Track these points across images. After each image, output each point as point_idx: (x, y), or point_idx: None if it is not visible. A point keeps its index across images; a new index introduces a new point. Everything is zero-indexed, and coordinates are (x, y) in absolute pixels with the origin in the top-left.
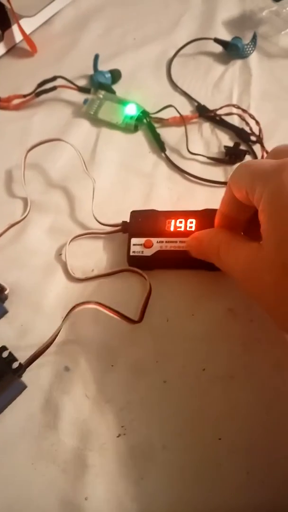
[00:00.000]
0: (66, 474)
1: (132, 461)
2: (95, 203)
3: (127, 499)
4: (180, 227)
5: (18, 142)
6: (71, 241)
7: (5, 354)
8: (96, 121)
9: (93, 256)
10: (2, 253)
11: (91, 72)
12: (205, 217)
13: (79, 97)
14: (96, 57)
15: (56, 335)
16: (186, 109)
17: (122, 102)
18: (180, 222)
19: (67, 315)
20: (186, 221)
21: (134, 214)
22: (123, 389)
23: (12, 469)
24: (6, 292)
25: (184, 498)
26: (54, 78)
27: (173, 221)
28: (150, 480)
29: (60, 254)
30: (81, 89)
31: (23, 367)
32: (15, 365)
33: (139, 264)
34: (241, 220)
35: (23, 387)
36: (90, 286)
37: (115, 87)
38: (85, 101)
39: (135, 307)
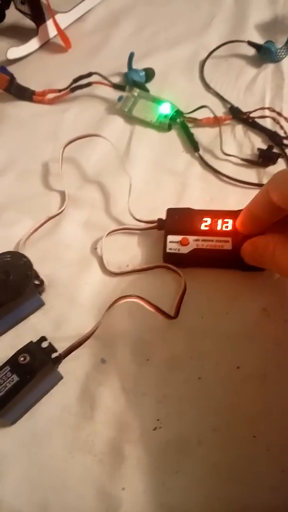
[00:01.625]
0: (103, 465)
1: (168, 455)
2: (129, 200)
3: (163, 491)
4: (216, 226)
5: (52, 136)
6: (106, 235)
7: (44, 344)
8: (130, 119)
9: (128, 252)
10: (39, 245)
11: (123, 70)
12: None
13: (113, 94)
14: (131, 55)
15: (96, 328)
16: (218, 110)
17: (157, 100)
18: (216, 221)
19: (108, 308)
20: (223, 221)
21: (170, 211)
22: (159, 383)
23: (49, 458)
24: (44, 285)
25: (218, 494)
26: (89, 74)
27: (209, 220)
28: (185, 474)
29: (95, 248)
30: (116, 86)
31: (62, 357)
32: (54, 355)
33: (174, 261)
34: (269, 222)
35: (60, 377)
36: (124, 280)
37: (148, 85)
38: (120, 98)
39: (168, 303)
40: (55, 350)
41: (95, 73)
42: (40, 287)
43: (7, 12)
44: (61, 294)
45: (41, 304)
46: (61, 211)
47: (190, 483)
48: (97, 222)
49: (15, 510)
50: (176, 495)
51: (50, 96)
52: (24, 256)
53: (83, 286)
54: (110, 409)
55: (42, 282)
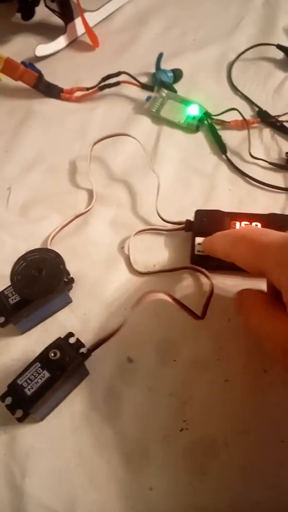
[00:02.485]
0: (129, 464)
1: (195, 456)
2: (156, 200)
3: (190, 492)
4: None
5: (80, 134)
6: (134, 235)
7: (72, 340)
8: (158, 119)
9: (155, 252)
10: (66, 242)
11: (151, 69)
12: (270, 221)
13: (140, 94)
14: (160, 56)
15: (124, 323)
16: (246, 113)
17: (185, 102)
18: (246, 224)
19: (137, 303)
20: (251, 224)
21: (199, 213)
22: (185, 384)
23: (76, 455)
24: (73, 283)
25: (246, 497)
26: (118, 73)
27: (238, 223)
28: (212, 476)
29: (122, 247)
30: (144, 86)
31: (90, 352)
32: (82, 350)
33: (202, 263)
34: None
35: (87, 373)
36: (151, 280)
37: (176, 86)
38: (148, 98)
39: (194, 305)
40: (83, 346)
41: (124, 72)
42: (69, 284)
43: (36, 9)
44: (88, 292)
45: (69, 301)
46: (89, 209)
47: (217, 485)
48: (124, 221)
49: (42, 505)
50: (203, 497)
51: (78, 94)
52: (57, 254)
53: (109, 284)
54: (136, 408)
55: (71, 279)
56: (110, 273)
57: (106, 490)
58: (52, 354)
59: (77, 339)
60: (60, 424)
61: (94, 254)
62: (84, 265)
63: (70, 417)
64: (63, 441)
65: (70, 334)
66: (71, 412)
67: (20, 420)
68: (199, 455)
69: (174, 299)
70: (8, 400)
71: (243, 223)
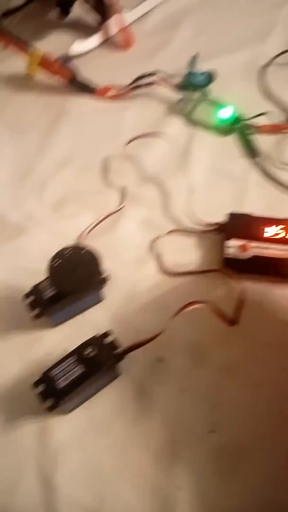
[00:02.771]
0: (159, 463)
1: (224, 458)
2: (188, 202)
3: (219, 494)
4: (278, 234)
5: (112, 133)
6: (165, 235)
7: (108, 339)
8: (190, 121)
9: (185, 253)
10: (98, 240)
11: (183, 71)
12: None
13: (173, 96)
14: (195, 57)
15: (161, 332)
16: (278, 117)
17: (217, 104)
18: (280, 229)
19: (178, 312)
20: (286, 229)
21: (231, 216)
22: (215, 387)
23: (105, 450)
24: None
25: (273, 500)
26: (153, 73)
27: (271, 227)
28: (242, 479)
29: (153, 247)
30: (177, 88)
31: (124, 354)
32: (117, 351)
33: (233, 267)
34: None
35: (119, 373)
36: (181, 281)
37: (208, 88)
38: (180, 100)
39: (224, 308)
40: (117, 347)
41: (158, 72)
42: (104, 282)
43: (72, 8)
44: (119, 290)
45: (101, 298)
46: (120, 209)
47: (246, 487)
48: (155, 222)
49: (71, 497)
50: (231, 499)
51: (112, 93)
52: (94, 251)
53: (140, 283)
54: (166, 409)
55: (107, 277)
56: (141, 273)
57: (135, 487)
58: (88, 351)
59: (113, 340)
60: (90, 419)
61: (125, 253)
62: (115, 263)
63: (100, 413)
64: (91, 435)
65: (107, 334)
66: (101, 408)
67: (50, 409)
68: (228, 457)
69: (215, 308)
70: (40, 388)
71: (276, 228)
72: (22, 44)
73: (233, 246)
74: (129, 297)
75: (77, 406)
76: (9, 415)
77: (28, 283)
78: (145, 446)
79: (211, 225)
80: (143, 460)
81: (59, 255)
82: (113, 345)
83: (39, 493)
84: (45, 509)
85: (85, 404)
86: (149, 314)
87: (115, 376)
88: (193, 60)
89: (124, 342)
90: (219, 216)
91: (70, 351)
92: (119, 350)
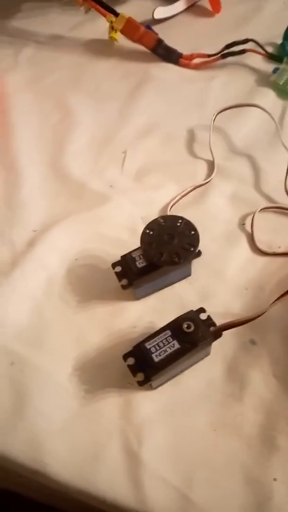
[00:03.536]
0: (252, 450)
1: None
2: (282, 179)
3: None
4: None
5: (198, 103)
6: (258, 212)
7: (203, 316)
8: (284, 93)
9: (280, 232)
10: (184, 213)
11: (277, 40)
12: None
13: (266, 66)
14: None
15: (263, 313)
16: None
17: None
18: None
19: (281, 297)
20: None
21: None
22: None
23: (192, 431)
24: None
25: None
26: (246, 41)
27: None
28: None
29: (243, 224)
30: (272, 57)
31: (221, 331)
32: (212, 328)
33: None
34: None
35: (208, 352)
36: (275, 262)
37: None
38: (275, 70)
39: None
40: (214, 324)
41: (252, 40)
42: (197, 256)
43: None
44: (207, 267)
45: (188, 273)
46: (208, 181)
47: None
48: (245, 197)
49: (158, 475)
50: None
51: (198, 60)
52: (189, 222)
53: (229, 261)
54: (260, 394)
55: (199, 252)
56: (230, 250)
57: (226, 473)
58: (186, 326)
59: (209, 316)
60: (177, 397)
61: (213, 228)
62: (203, 239)
63: (188, 392)
64: (178, 414)
65: (202, 310)
66: (188, 387)
67: (141, 384)
68: None
69: None
70: (131, 360)
71: None
72: (105, 8)
73: None
74: (218, 274)
75: (164, 383)
76: (92, 385)
77: (111, 253)
78: (237, 430)
79: None
80: (234, 445)
81: (153, 224)
82: (209, 322)
83: (124, 467)
84: (130, 484)
85: (171, 381)
86: (240, 294)
87: (205, 355)
88: None
89: (217, 322)
90: None
91: (156, 324)
92: (216, 327)
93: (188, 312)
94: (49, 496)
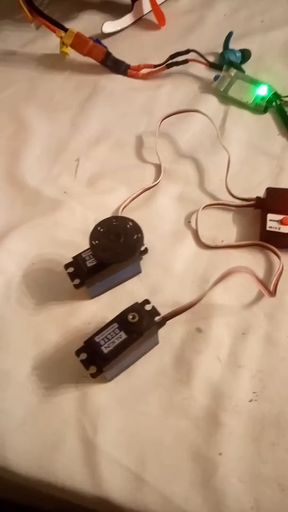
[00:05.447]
0: (199, 429)
1: (264, 427)
2: (223, 178)
3: (259, 461)
4: None
5: (146, 111)
6: (202, 209)
7: (148, 307)
8: (225, 99)
9: (222, 227)
10: (134, 215)
11: (217, 50)
12: None
13: (207, 73)
14: (230, 35)
15: (202, 297)
16: None
17: (254, 82)
18: None
19: (218, 280)
20: None
21: (270, 191)
22: (255, 358)
23: (145, 416)
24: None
25: None
26: (187, 51)
27: None
28: (282, 448)
29: (189, 222)
30: (212, 65)
31: (165, 320)
32: (157, 318)
33: (273, 241)
34: None
35: (157, 342)
36: (218, 254)
37: (243, 67)
38: (216, 77)
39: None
40: (158, 314)
41: (193, 50)
42: (144, 253)
43: None
44: (156, 264)
45: (138, 271)
46: (156, 184)
47: (286, 456)
48: (191, 197)
49: (114, 460)
50: (272, 466)
51: (145, 71)
52: (134, 222)
53: (177, 257)
54: (206, 377)
55: (146, 249)
56: (177, 246)
57: (176, 452)
58: (131, 317)
59: (153, 307)
60: (130, 386)
61: (161, 227)
62: (152, 237)
63: (139, 380)
64: (132, 401)
65: (146, 301)
66: (140, 376)
67: (94, 376)
68: (269, 426)
69: (256, 277)
70: (83, 355)
71: None
72: (54, 24)
73: (274, 219)
74: (167, 269)
75: (117, 374)
76: (50, 382)
77: (66, 255)
78: (184, 413)
79: (249, 199)
80: (183, 427)
81: (101, 225)
82: (154, 312)
83: (81, 455)
84: (87, 470)
85: (125, 372)
86: (188, 286)
87: (153, 344)
88: (228, 38)
89: (163, 313)
90: (256, 193)
91: (110, 319)
92: (160, 316)
93: (133, 304)
94: (20, 495)
